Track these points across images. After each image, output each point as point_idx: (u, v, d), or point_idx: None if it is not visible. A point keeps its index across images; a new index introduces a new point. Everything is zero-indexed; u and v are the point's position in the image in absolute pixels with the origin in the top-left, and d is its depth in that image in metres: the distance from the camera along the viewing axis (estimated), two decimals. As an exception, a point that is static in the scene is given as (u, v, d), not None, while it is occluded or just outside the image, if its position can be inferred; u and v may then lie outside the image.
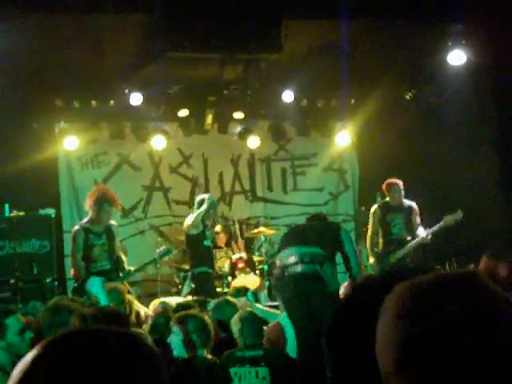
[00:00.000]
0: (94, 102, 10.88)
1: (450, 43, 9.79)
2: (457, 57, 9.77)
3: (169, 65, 9.54)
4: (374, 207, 9.75)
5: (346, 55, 9.76)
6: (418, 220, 9.52)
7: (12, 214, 10.27)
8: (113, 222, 8.83)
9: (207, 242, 9.76)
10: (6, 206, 10.37)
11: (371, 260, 9.53)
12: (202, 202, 9.70)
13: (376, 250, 9.54)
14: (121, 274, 8.40)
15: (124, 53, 9.68)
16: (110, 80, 10.46)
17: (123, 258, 8.70)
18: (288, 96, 11.09)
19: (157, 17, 8.74)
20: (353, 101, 11.77)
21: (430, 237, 9.32)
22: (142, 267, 9.11)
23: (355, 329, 1.50)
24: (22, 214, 10.23)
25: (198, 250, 9.74)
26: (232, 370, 5.51)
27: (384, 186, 9.68)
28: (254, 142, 11.90)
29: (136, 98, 10.60)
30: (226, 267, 10.55)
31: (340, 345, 1.59)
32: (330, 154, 12.57)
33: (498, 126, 10.86)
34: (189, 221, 9.76)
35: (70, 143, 11.06)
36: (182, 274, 10.67)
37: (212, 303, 7.26)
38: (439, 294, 1.17)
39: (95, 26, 8.86)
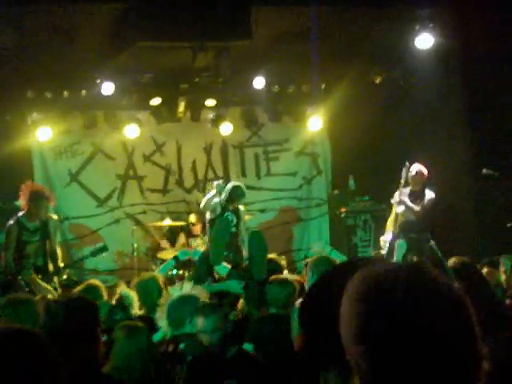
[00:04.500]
0: (65, 92, 10.88)
1: (417, 27, 9.92)
2: (424, 40, 9.90)
3: (140, 54, 9.56)
4: (396, 193, 9.68)
5: (316, 41, 9.84)
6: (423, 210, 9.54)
7: (-13, 206, 10.30)
8: (54, 216, 8.77)
9: None
10: (-19, 198, 10.38)
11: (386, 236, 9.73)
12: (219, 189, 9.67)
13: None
14: (54, 272, 8.41)
15: (95, 42, 9.67)
16: (81, 70, 10.44)
17: (59, 253, 8.68)
18: (259, 82, 11.17)
19: (127, 6, 8.76)
20: (323, 86, 11.88)
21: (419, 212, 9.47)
22: (74, 264, 9.18)
23: (326, 307, 1.69)
24: (-3, 205, 10.26)
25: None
26: None
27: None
28: (226, 128, 11.97)
29: (107, 88, 10.62)
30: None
31: (312, 319, 1.82)
32: (303, 139, 12.69)
33: (466, 107, 11.05)
34: (200, 207, 9.82)
35: (43, 134, 11.04)
36: (158, 261, 10.79)
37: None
38: (389, 283, 1.43)
39: (65, 16, 8.85)
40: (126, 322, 4.91)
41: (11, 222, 8.46)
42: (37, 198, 8.39)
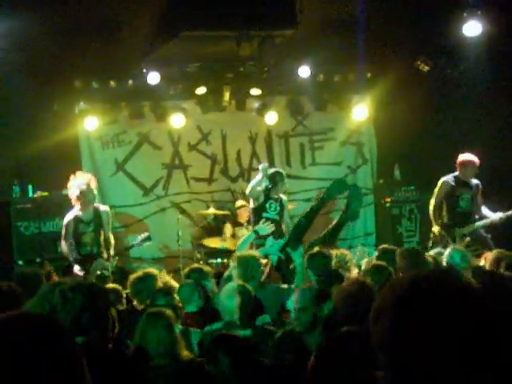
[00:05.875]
0: (112, 83, 10.98)
1: (465, 14, 9.78)
2: (472, 28, 9.76)
3: (185, 43, 9.60)
4: (442, 180, 9.65)
5: (362, 29, 9.78)
6: (481, 200, 9.57)
7: (36, 195, 10.48)
8: (106, 207, 9.20)
9: (267, 214, 9.72)
10: (30, 187, 10.56)
11: (435, 228, 9.58)
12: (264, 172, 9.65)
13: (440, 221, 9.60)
14: (107, 258, 8.80)
15: (140, 33, 9.77)
16: (127, 60, 10.55)
17: (112, 242, 9.04)
18: (304, 71, 11.13)
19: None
20: (369, 74, 11.78)
21: (501, 219, 9.37)
22: (122, 253, 9.50)
23: None
24: (45, 194, 10.43)
25: (257, 221, 9.45)
26: None
27: (458, 162, 9.58)
28: (271, 117, 11.96)
29: (153, 77, 10.70)
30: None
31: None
32: (348, 128, 12.61)
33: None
34: (247, 193, 9.88)
35: (90, 123, 11.18)
36: (203, 250, 10.86)
37: None
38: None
39: (112, 7, 8.96)
40: (153, 309, 4.91)
41: (69, 217, 8.91)
42: (82, 191, 8.80)
